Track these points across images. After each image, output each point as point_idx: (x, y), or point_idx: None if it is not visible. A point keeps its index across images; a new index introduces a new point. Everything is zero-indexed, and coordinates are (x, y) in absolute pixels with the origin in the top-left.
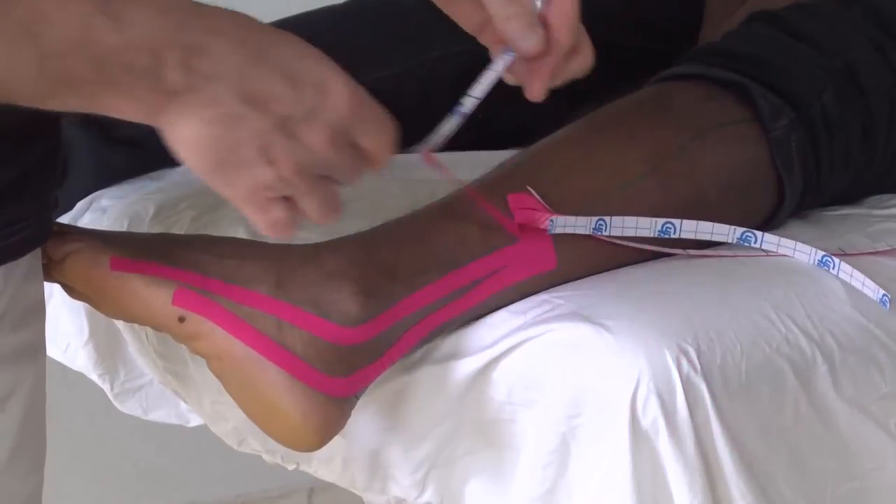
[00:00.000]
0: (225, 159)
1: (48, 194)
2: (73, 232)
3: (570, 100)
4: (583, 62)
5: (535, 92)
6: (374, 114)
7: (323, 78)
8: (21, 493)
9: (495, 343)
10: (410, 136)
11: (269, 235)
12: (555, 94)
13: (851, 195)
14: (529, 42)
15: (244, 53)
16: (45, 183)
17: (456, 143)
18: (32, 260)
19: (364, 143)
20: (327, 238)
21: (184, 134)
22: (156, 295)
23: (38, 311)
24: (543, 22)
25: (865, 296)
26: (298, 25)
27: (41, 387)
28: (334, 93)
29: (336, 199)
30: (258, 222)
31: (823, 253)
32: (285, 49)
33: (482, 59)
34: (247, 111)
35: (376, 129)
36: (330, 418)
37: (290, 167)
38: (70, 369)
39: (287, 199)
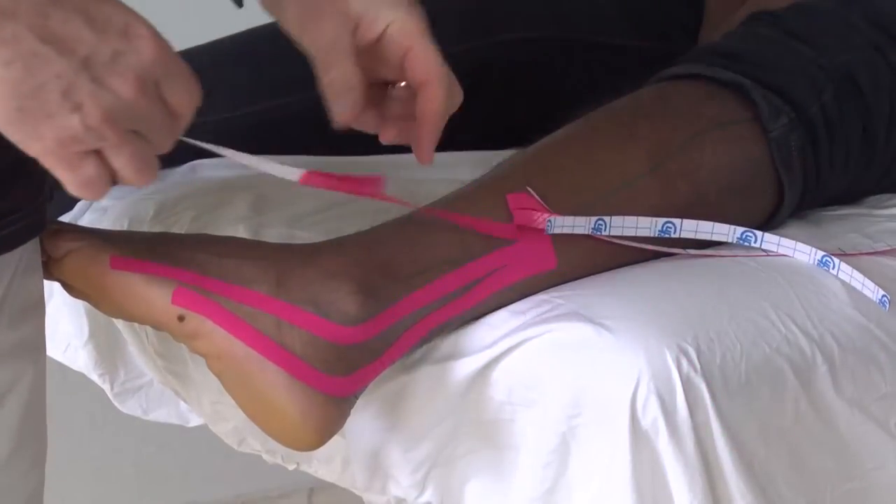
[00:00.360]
0: (26, 106)
1: (40, 185)
2: (74, 230)
3: (570, 100)
4: (456, 100)
5: (424, 156)
6: (180, 68)
7: (127, 23)
8: (22, 491)
9: (495, 343)
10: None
11: (81, 196)
12: (555, 94)
13: (851, 195)
14: (340, 107)
15: None
16: (36, 174)
17: (456, 143)
18: (31, 256)
19: (170, 98)
20: (327, 238)
21: None
22: (156, 294)
23: (37, 308)
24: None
25: (866, 296)
26: None
27: (41, 384)
28: (139, 38)
29: (150, 158)
30: (67, 182)
31: (823, 253)
32: None
33: (483, 60)
34: (47, 51)
35: (182, 85)
36: (329, 418)
37: (96, 113)
38: (70, 369)
39: (98, 156)
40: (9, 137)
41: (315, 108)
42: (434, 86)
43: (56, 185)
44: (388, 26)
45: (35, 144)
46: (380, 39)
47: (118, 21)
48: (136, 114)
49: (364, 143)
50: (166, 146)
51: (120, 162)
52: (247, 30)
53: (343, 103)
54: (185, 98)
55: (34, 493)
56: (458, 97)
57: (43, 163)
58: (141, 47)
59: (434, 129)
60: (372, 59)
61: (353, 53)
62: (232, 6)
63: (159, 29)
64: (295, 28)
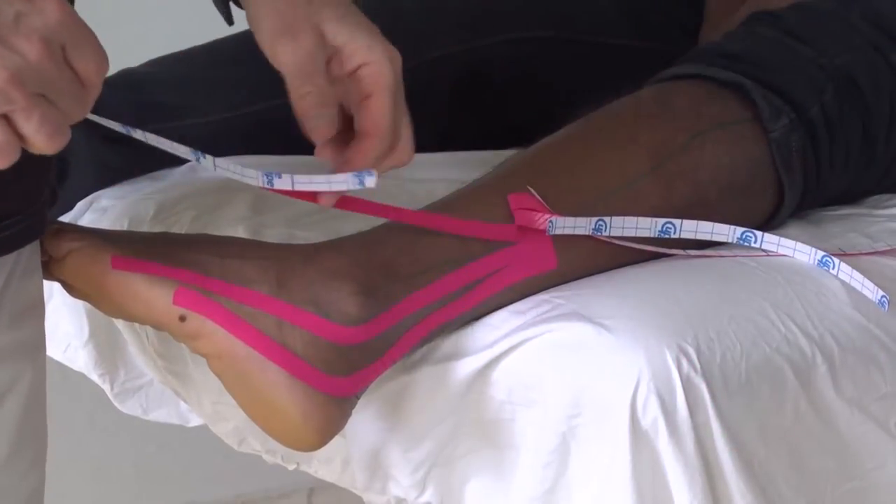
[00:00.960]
0: None
1: (40, 189)
2: (74, 230)
3: (570, 100)
4: (398, 158)
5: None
6: (86, 34)
7: None
8: (22, 490)
9: (495, 343)
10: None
11: None
12: (555, 95)
13: (851, 195)
14: (316, 122)
15: None
16: (36, 177)
17: (456, 143)
18: (31, 256)
19: (77, 64)
20: (327, 238)
21: None
22: (157, 294)
23: (36, 308)
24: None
25: (866, 296)
26: None
27: (41, 385)
28: (42, 1)
29: (61, 124)
30: None
31: (823, 253)
32: None
33: (482, 60)
34: None
35: (90, 50)
36: (330, 418)
37: (1, 75)
38: (70, 369)
39: (6, 121)
40: None
41: None
42: (373, 141)
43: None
44: (360, 67)
45: None
46: (350, 75)
47: None
48: (43, 76)
49: None
50: (77, 115)
51: (30, 127)
52: (247, 30)
53: (320, 117)
54: (93, 65)
55: (34, 493)
56: (397, 161)
57: None
58: (45, 9)
59: (381, 141)
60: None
61: (325, 72)
62: (232, 8)
63: (160, 29)
64: (268, 42)
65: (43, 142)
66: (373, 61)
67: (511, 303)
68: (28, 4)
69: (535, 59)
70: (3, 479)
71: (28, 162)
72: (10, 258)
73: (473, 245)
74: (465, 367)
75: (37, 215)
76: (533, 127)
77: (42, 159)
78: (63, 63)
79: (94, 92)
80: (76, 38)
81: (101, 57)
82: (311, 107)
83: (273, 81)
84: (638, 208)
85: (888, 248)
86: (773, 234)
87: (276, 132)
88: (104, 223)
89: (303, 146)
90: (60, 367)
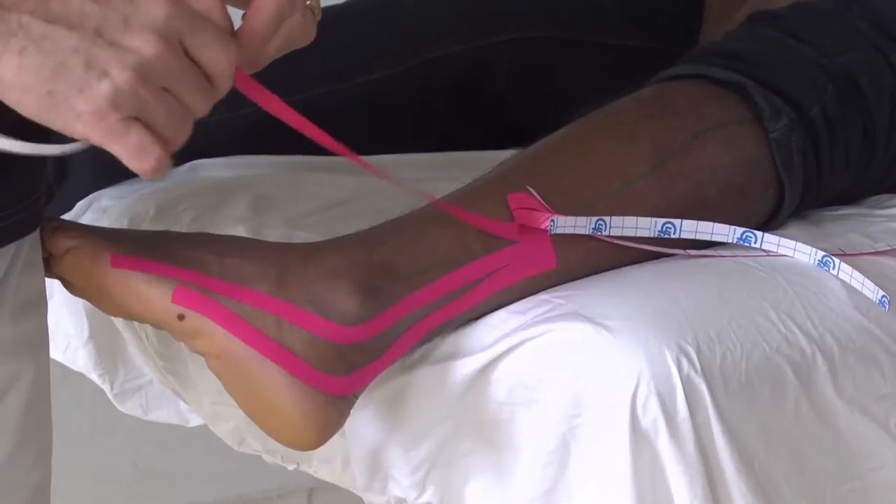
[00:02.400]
0: (54, 88)
1: (34, 184)
2: (74, 228)
3: (570, 100)
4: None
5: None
6: (205, 24)
7: None
8: (27, 485)
9: (495, 343)
10: (410, 135)
11: (142, 172)
12: (555, 94)
13: (851, 195)
14: None
15: None
16: (28, 172)
17: (456, 143)
18: (32, 252)
19: (200, 54)
20: (327, 238)
21: (2, 74)
22: (156, 292)
23: (38, 304)
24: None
25: (866, 296)
26: None
27: (44, 380)
28: (147, 1)
29: (183, 115)
30: (122, 154)
31: (824, 253)
32: None
33: (482, 60)
34: (55, 30)
35: (211, 40)
36: (329, 417)
37: (124, 75)
38: (70, 369)
39: (140, 123)
40: (50, 126)
41: (314, 109)
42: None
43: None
44: None
45: (76, 124)
46: None
47: None
48: (165, 70)
49: (363, 144)
50: (202, 107)
51: (160, 120)
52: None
53: None
54: (218, 53)
55: (38, 488)
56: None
57: (92, 141)
58: (150, 6)
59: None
60: None
61: None
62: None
63: None
64: None
65: (174, 131)
66: None
67: (511, 303)
68: (132, 7)
69: (535, 59)
70: (7, 475)
71: (14, 157)
72: (8, 252)
73: (473, 245)
74: (465, 367)
75: (32, 209)
76: (533, 127)
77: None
78: (183, 55)
79: (223, 83)
80: (193, 28)
81: (226, 44)
82: None
83: (272, 82)
84: (638, 208)
85: (888, 248)
86: (774, 234)
87: (276, 132)
88: (104, 223)
89: (302, 146)
90: (60, 367)
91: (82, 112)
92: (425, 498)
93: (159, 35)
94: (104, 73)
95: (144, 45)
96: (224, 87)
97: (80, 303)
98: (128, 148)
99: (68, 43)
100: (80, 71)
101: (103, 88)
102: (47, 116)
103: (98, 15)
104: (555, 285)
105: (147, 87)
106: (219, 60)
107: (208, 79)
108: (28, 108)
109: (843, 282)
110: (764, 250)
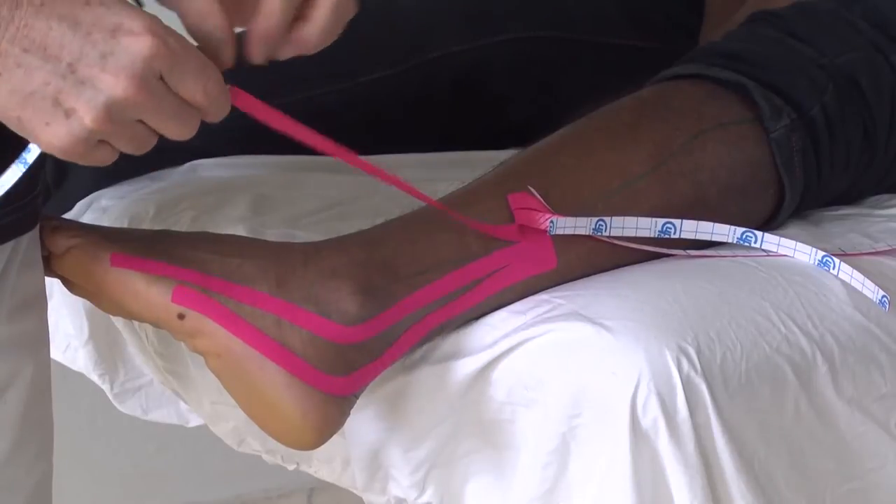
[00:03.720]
0: (23, 116)
1: (32, 182)
2: (75, 227)
3: (570, 100)
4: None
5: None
6: (185, 59)
7: (118, 23)
8: (27, 483)
9: (495, 343)
10: (411, 135)
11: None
12: (555, 94)
13: (851, 195)
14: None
15: (22, 5)
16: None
17: (456, 143)
18: (30, 250)
19: (181, 90)
20: (327, 238)
21: None
22: (156, 291)
23: (37, 302)
24: None
25: (866, 296)
26: None
27: (45, 379)
28: (129, 35)
29: (146, 140)
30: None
31: (824, 253)
32: (69, 4)
33: (483, 59)
34: (31, 60)
35: (191, 75)
36: (329, 417)
37: (90, 115)
38: (70, 369)
39: (107, 145)
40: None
41: (315, 109)
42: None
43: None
44: None
45: (46, 149)
46: None
47: (108, 22)
48: (136, 108)
49: (364, 144)
50: (185, 134)
51: (129, 146)
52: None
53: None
54: (198, 87)
55: (39, 485)
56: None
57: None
58: (131, 45)
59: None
60: None
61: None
62: None
63: None
64: None
65: (135, 152)
66: None
67: (511, 303)
68: (113, 43)
69: (536, 59)
70: (7, 473)
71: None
72: (6, 250)
73: (473, 245)
74: (465, 367)
75: (30, 207)
76: (533, 127)
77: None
78: (158, 92)
79: (212, 109)
80: (172, 65)
81: (208, 78)
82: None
83: (272, 82)
84: (638, 208)
85: (889, 248)
86: (774, 234)
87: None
88: (104, 222)
89: (301, 146)
90: (60, 367)
91: (50, 143)
92: (425, 498)
93: (134, 75)
94: (72, 111)
95: (116, 85)
96: (214, 116)
97: (80, 302)
98: (92, 163)
99: (40, 76)
100: (48, 105)
101: (69, 127)
102: (20, 132)
103: (76, 49)
104: (555, 285)
105: (114, 124)
106: (203, 93)
107: (191, 106)
108: (4, 121)
109: (843, 282)
110: (764, 250)
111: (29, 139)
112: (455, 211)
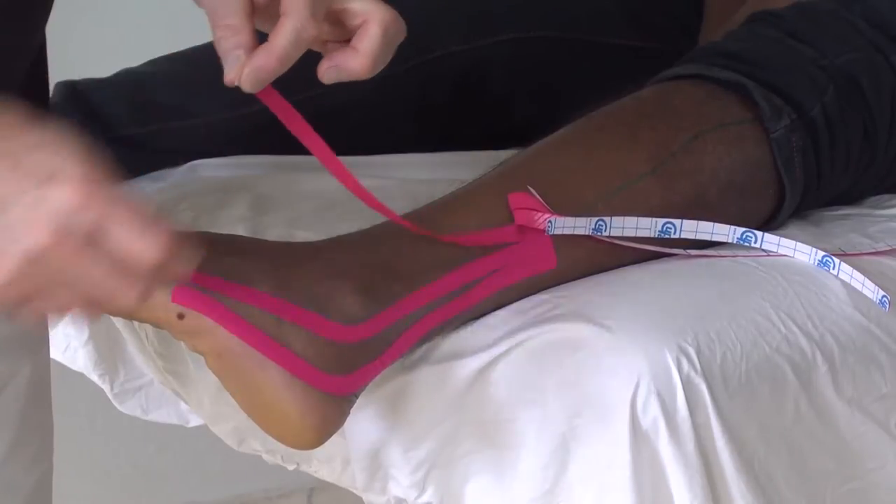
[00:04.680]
0: None
1: None
2: None
3: (570, 100)
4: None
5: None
6: (121, 213)
7: (56, 169)
8: (26, 483)
9: (495, 343)
10: (411, 135)
11: None
12: (555, 94)
13: (851, 195)
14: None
15: None
16: None
17: (456, 143)
18: None
19: (113, 247)
20: (327, 238)
21: None
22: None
23: None
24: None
25: (866, 296)
26: None
27: (44, 378)
28: (63, 184)
29: (64, 306)
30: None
31: (824, 253)
32: (17, 142)
33: (483, 59)
34: None
35: (126, 231)
36: (329, 416)
37: (7, 265)
38: (70, 369)
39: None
40: None
41: (316, 109)
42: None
43: None
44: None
45: None
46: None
47: (47, 167)
48: (57, 264)
49: (364, 144)
50: (118, 293)
51: (52, 303)
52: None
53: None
54: (133, 244)
55: (39, 485)
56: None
57: None
58: (60, 195)
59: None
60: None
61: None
62: None
63: (161, 28)
64: None
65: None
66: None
67: (511, 302)
68: (45, 187)
69: (536, 59)
70: (6, 472)
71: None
72: None
73: (473, 245)
74: (465, 367)
75: None
76: (533, 127)
77: None
78: (81, 249)
79: (157, 269)
80: (104, 219)
81: (147, 234)
82: (225, 49)
83: (274, 82)
84: (638, 208)
85: (889, 248)
86: (774, 234)
87: (276, 132)
88: None
89: (301, 147)
90: (60, 367)
91: None
92: (425, 498)
93: (55, 228)
94: None
95: (36, 237)
96: (163, 277)
97: None
98: (15, 321)
99: None
100: None
101: None
102: None
103: (9, 190)
104: (555, 285)
105: (32, 278)
106: (136, 250)
107: (128, 263)
108: None
109: (843, 282)
110: (764, 250)
111: None
112: (454, 210)
